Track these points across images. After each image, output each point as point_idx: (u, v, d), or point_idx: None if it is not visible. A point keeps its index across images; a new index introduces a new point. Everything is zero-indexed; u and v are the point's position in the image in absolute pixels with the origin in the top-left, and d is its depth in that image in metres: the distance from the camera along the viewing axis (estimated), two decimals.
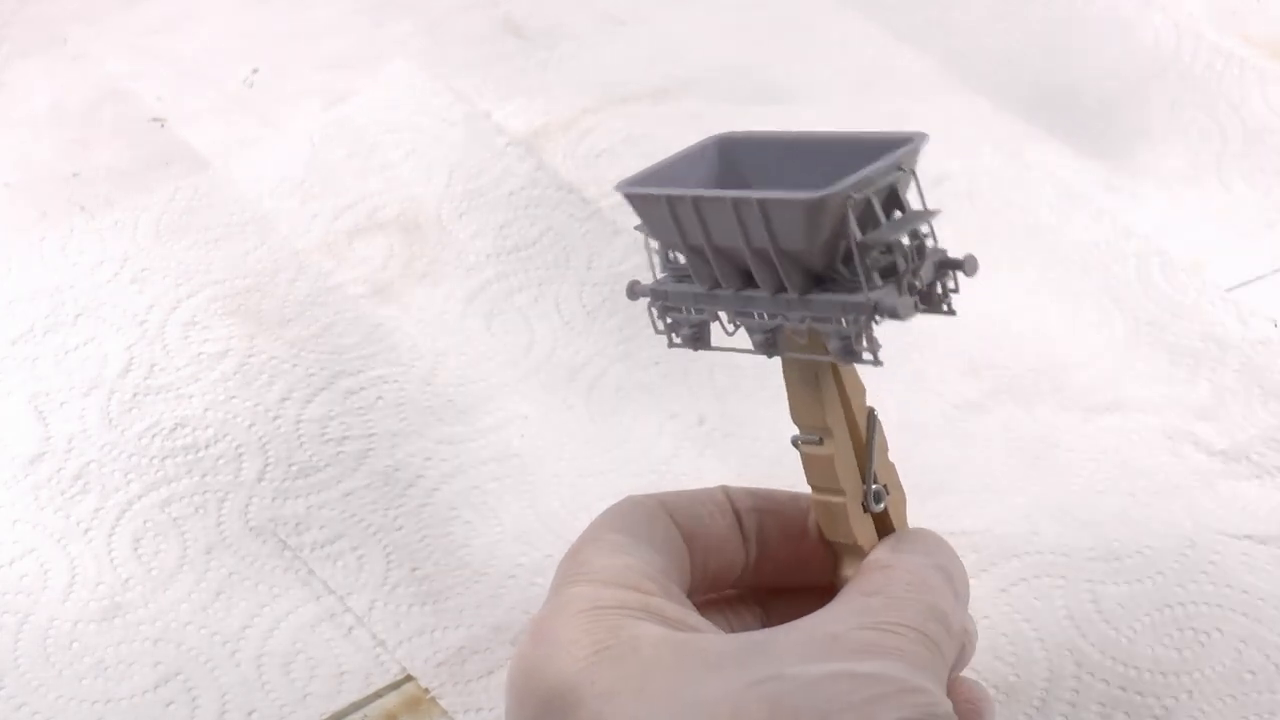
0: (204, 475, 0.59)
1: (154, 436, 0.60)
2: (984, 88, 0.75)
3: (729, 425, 0.60)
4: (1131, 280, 0.63)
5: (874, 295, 0.40)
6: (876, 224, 0.41)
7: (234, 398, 0.61)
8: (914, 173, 0.42)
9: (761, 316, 0.42)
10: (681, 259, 0.44)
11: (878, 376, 0.60)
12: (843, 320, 0.41)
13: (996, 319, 0.63)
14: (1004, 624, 0.51)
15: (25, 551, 0.56)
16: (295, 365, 0.62)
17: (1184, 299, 0.62)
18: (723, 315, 0.44)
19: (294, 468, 0.59)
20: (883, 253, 0.41)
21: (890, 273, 0.41)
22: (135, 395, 0.61)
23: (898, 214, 0.41)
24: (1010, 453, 0.58)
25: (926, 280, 0.41)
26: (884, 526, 0.45)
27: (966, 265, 0.41)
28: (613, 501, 0.44)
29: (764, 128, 0.46)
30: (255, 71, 0.80)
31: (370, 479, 0.58)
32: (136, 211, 0.70)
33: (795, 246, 0.41)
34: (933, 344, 0.62)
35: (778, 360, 0.44)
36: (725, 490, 0.46)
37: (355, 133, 0.73)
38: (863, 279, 0.40)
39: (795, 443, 0.45)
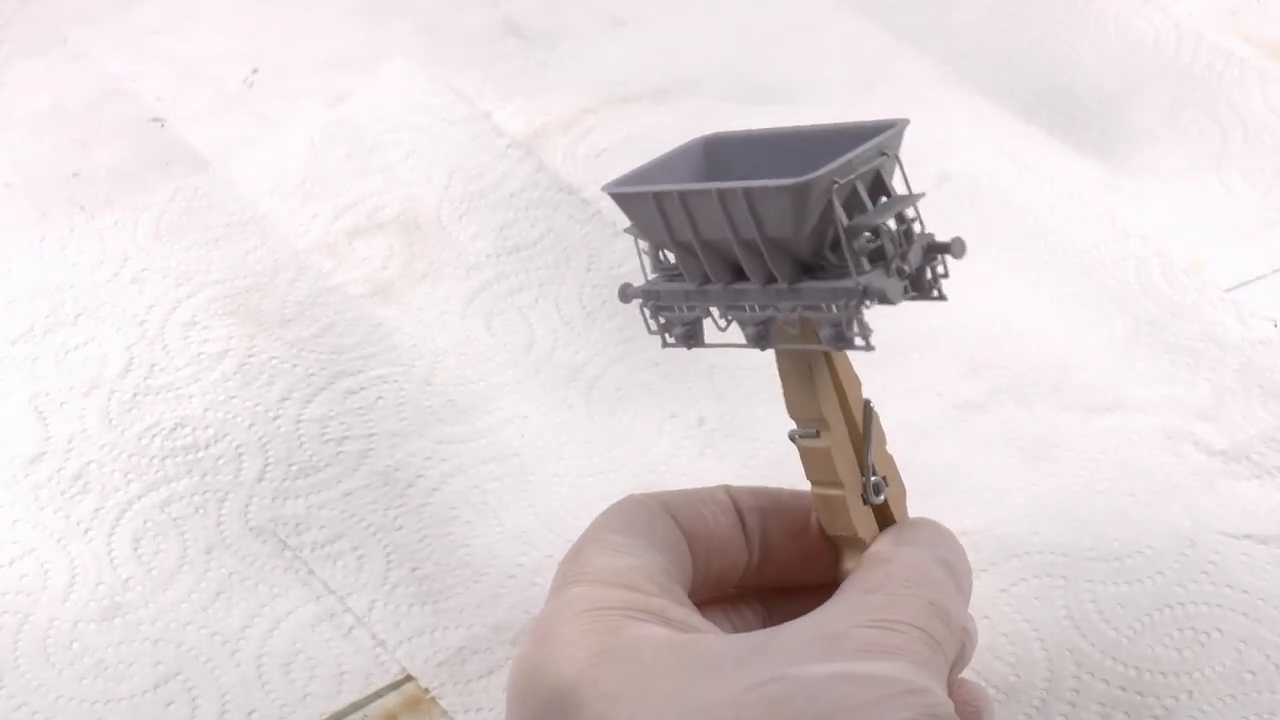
0: (204, 475, 0.59)
1: (154, 436, 0.60)
2: (984, 88, 0.75)
3: (729, 425, 0.60)
4: (1131, 280, 0.63)
5: (863, 280, 0.40)
6: (863, 209, 0.41)
7: (234, 398, 0.61)
8: (898, 157, 0.42)
9: (753, 309, 0.43)
10: (672, 258, 0.45)
11: (878, 376, 0.60)
12: (833, 307, 0.41)
13: (996, 319, 0.63)
14: (1004, 624, 0.51)
15: (25, 551, 0.56)
16: (295, 365, 0.62)
17: (1184, 299, 0.62)
18: (714, 311, 0.44)
19: (294, 468, 0.59)
20: (870, 238, 0.41)
21: (878, 257, 0.41)
22: (135, 395, 0.61)
23: (883, 199, 0.42)
24: (1010, 453, 0.58)
25: (915, 264, 0.42)
26: (884, 519, 0.45)
27: (954, 248, 0.41)
28: (613, 501, 0.44)
29: (762, 127, 0.46)
30: (255, 71, 0.80)
31: (370, 479, 0.58)
32: (136, 211, 0.70)
33: (782, 234, 0.41)
34: (933, 344, 0.62)
35: (756, 363, 0.44)
36: (727, 490, 0.46)
37: (355, 133, 0.73)
38: (851, 264, 0.40)
39: (793, 437, 0.45)
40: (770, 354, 0.44)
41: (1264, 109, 0.71)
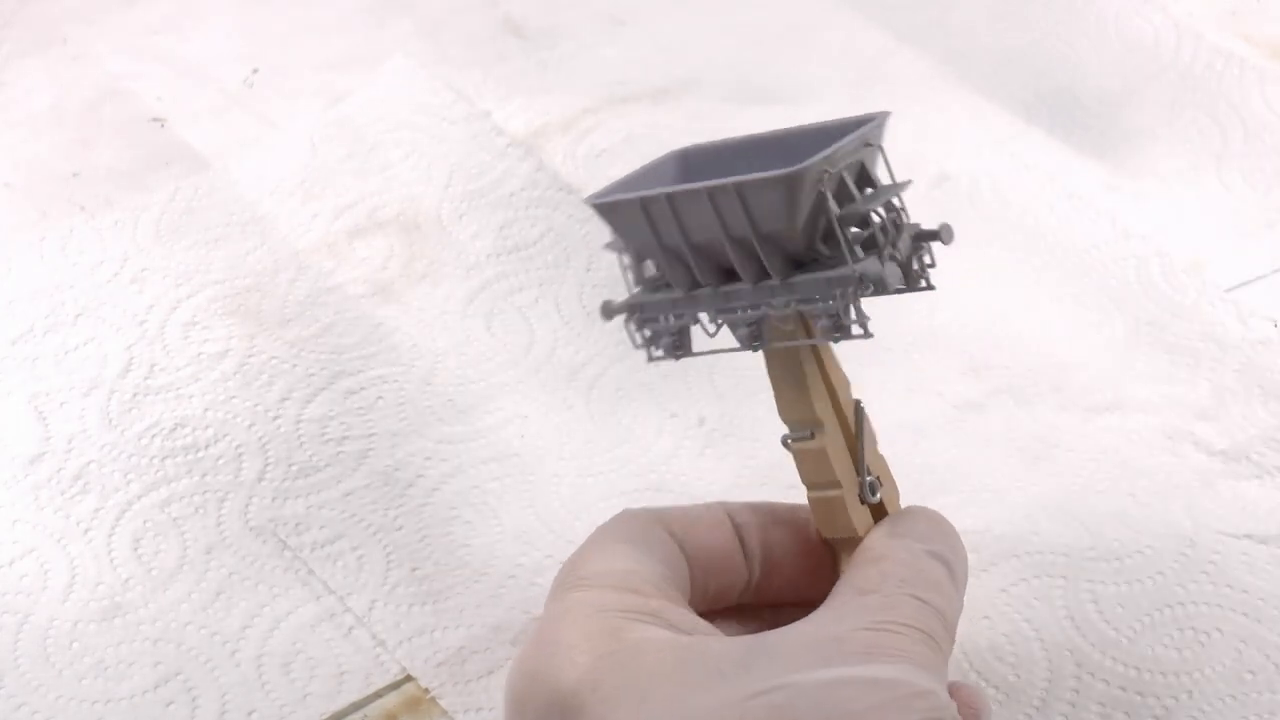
0: (204, 475, 0.59)
1: (154, 436, 0.60)
2: (984, 88, 0.75)
3: (729, 425, 0.60)
4: (1131, 280, 0.63)
5: (859, 267, 0.41)
6: (852, 200, 0.41)
7: (234, 398, 0.61)
8: (881, 149, 0.42)
9: (744, 310, 0.43)
10: (655, 268, 0.44)
11: (878, 376, 0.60)
12: (830, 297, 0.41)
13: (997, 318, 0.63)
14: (1004, 624, 0.51)
15: (25, 551, 0.56)
16: (295, 365, 0.62)
17: (1184, 299, 0.62)
18: (704, 317, 0.44)
19: (294, 468, 0.59)
20: (862, 227, 0.41)
21: (870, 246, 0.41)
22: (135, 395, 0.61)
23: (869, 190, 0.42)
24: (1010, 453, 0.58)
25: (905, 253, 0.42)
26: (880, 519, 0.45)
27: (943, 234, 0.42)
28: (613, 502, 0.44)
29: (762, 128, 0.46)
30: (255, 71, 0.80)
31: (370, 479, 0.58)
32: (136, 211, 0.70)
33: (775, 227, 0.41)
34: (932, 344, 0.62)
35: (756, 360, 0.44)
36: (725, 506, 0.45)
37: (355, 133, 0.73)
38: (846, 252, 0.41)
39: (786, 442, 0.44)
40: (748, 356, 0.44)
41: (1264, 109, 0.71)
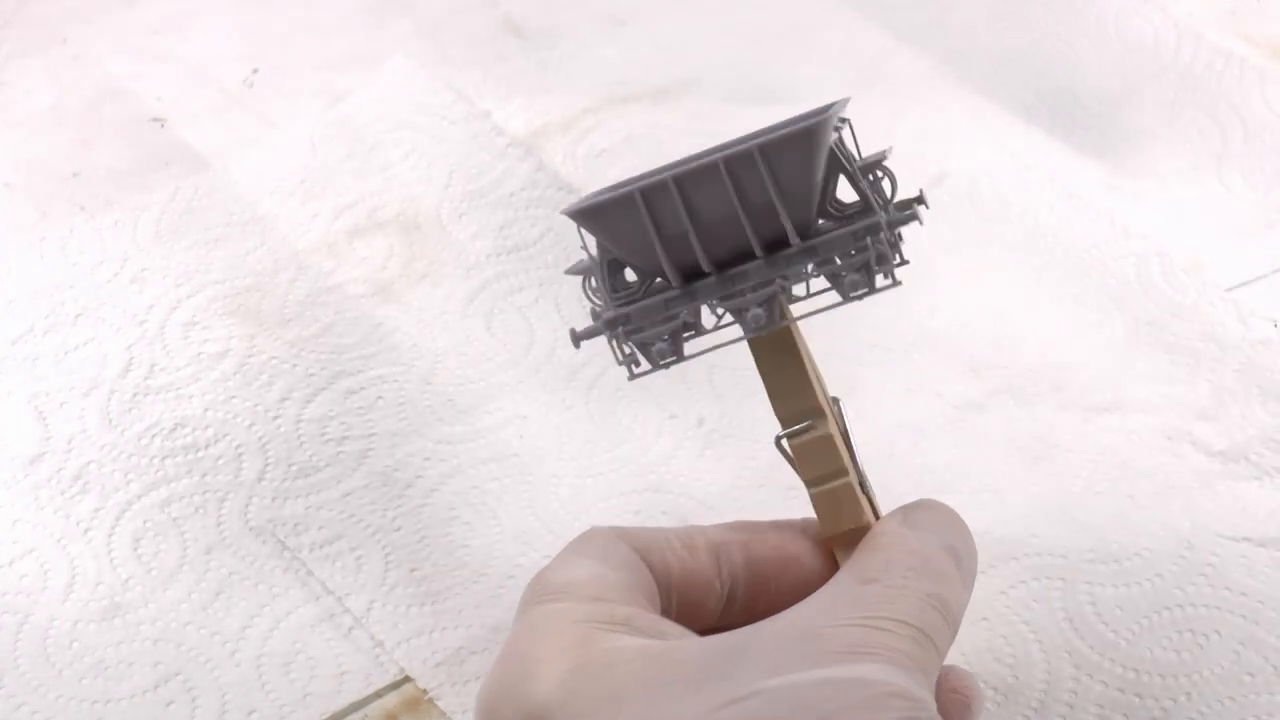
0: (204, 475, 0.59)
1: (154, 436, 0.60)
2: (984, 88, 0.75)
3: (728, 426, 0.60)
4: (1131, 280, 0.63)
5: (883, 215, 0.41)
6: (851, 162, 0.42)
7: (234, 398, 0.61)
8: (851, 127, 0.43)
9: (754, 290, 0.42)
10: (624, 282, 0.43)
11: (878, 378, 0.60)
12: (858, 249, 0.41)
13: (997, 318, 0.63)
14: (1002, 626, 0.51)
15: (25, 551, 0.57)
16: (295, 365, 0.62)
17: (1184, 299, 0.62)
18: (705, 310, 0.43)
19: (294, 468, 0.59)
20: (875, 179, 0.42)
21: (867, 209, 0.42)
22: (135, 395, 0.61)
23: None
24: (1010, 453, 0.58)
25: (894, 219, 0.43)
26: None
27: (923, 199, 0.42)
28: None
29: (761, 128, 0.46)
30: (255, 71, 0.80)
31: (369, 479, 0.58)
32: (136, 211, 0.70)
33: (800, 187, 0.41)
34: (933, 344, 0.62)
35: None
36: (697, 529, 0.44)
37: (355, 133, 0.73)
38: (873, 199, 0.41)
39: (780, 442, 0.43)
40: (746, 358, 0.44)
41: (1264, 109, 0.71)
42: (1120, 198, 0.69)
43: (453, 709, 0.51)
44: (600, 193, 0.43)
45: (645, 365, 0.43)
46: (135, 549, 0.56)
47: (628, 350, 0.43)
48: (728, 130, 0.46)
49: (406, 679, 0.53)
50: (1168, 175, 0.70)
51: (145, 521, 0.57)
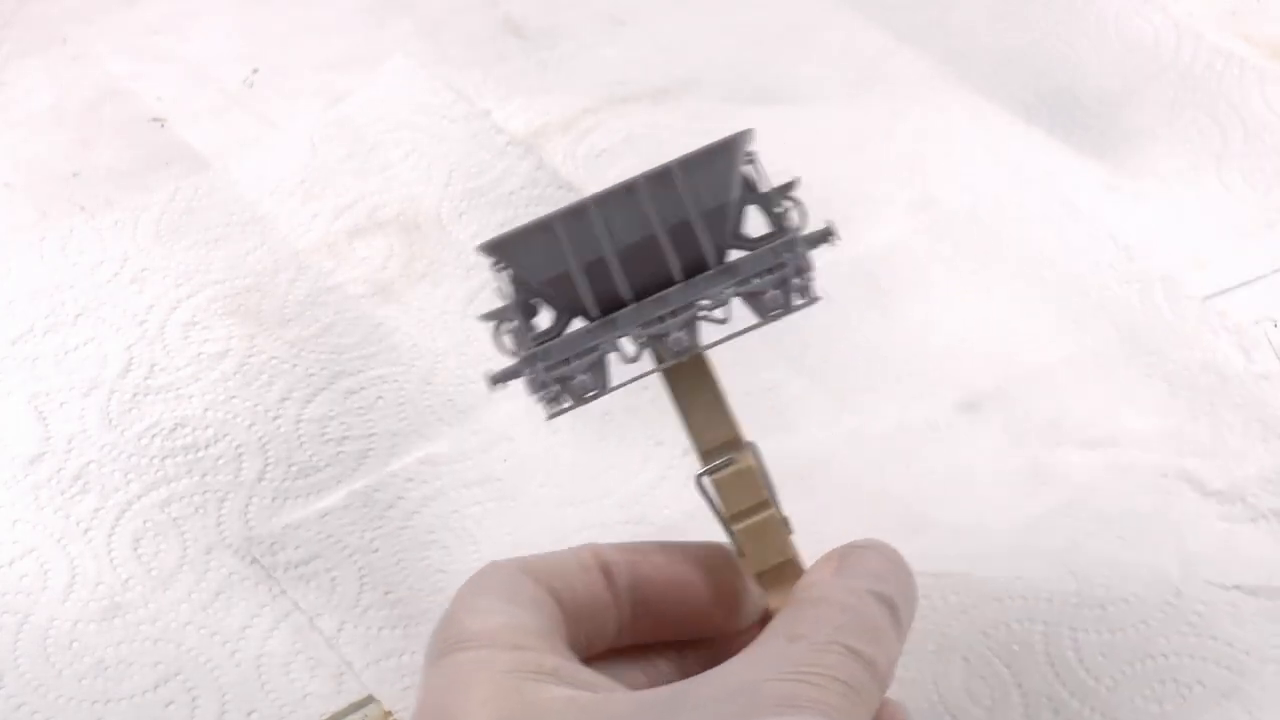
0: (204, 475, 0.59)
1: (154, 436, 0.60)
2: (984, 88, 0.75)
3: None
4: (1134, 305, 0.62)
5: (797, 233, 0.42)
6: (757, 187, 0.42)
7: (234, 398, 0.61)
8: (758, 160, 0.43)
9: (675, 314, 0.42)
10: (543, 325, 0.42)
11: (870, 404, 0.59)
12: (778, 266, 0.42)
13: (994, 344, 0.62)
14: (981, 667, 0.50)
15: (25, 551, 0.56)
16: (295, 365, 0.62)
17: (1186, 326, 0.61)
18: (625, 342, 0.42)
19: (294, 468, 0.59)
20: (786, 207, 0.42)
21: (781, 228, 0.43)
22: (135, 395, 0.61)
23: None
24: (999, 488, 0.56)
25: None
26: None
27: (831, 233, 0.43)
28: (592, 532, 0.43)
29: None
30: (255, 71, 0.80)
31: (350, 499, 0.58)
32: (136, 211, 0.70)
33: (717, 203, 0.41)
34: (925, 370, 0.61)
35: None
36: (593, 549, 0.43)
37: (355, 132, 0.73)
38: (786, 220, 0.42)
39: (701, 480, 0.42)
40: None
41: (1264, 109, 0.71)
42: (1120, 198, 0.69)
43: None
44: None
45: (570, 400, 0.42)
46: (135, 549, 0.56)
47: (554, 389, 0.42)
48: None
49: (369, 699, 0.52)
50: (1168, 175, 0.70)
51: (145, 521, 0.57)
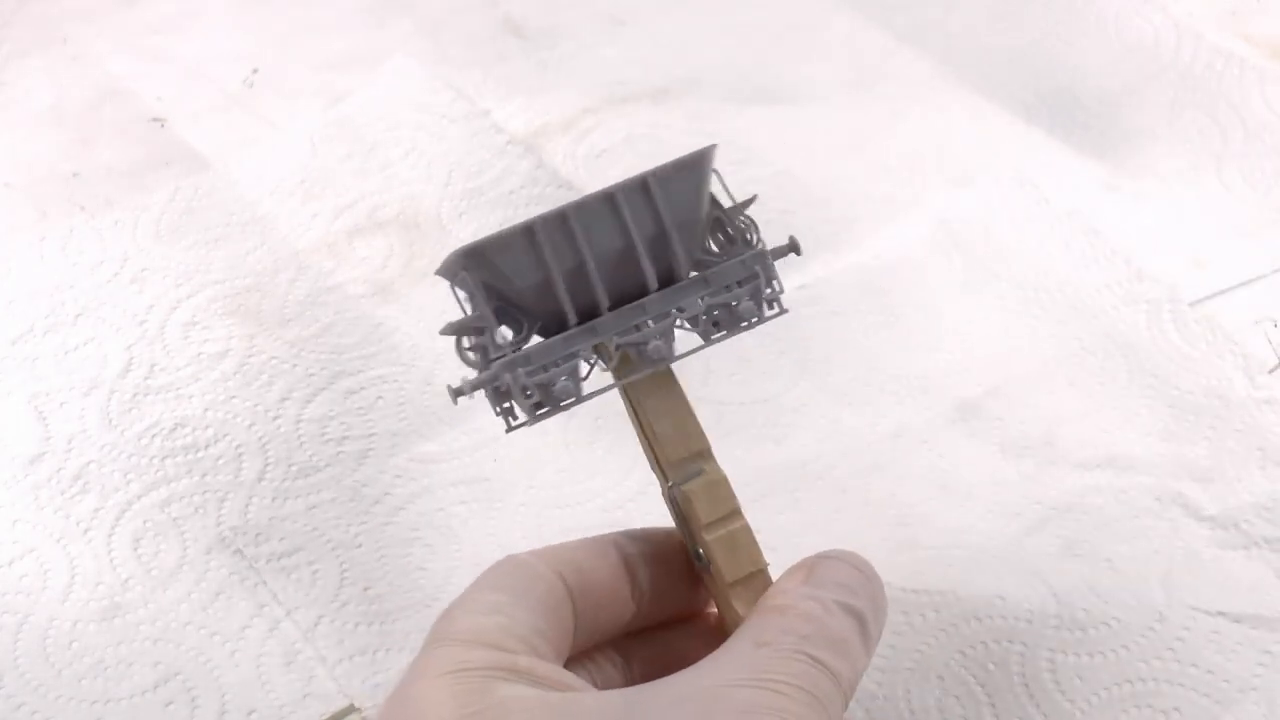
0: (204, 475, 0.59)
1: (154, 436, 0.60)
2: (984, 88, 0.75)
3: None
4: (1141, 327, 0.61)
5: (761, 248, 0.43)
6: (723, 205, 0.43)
7: (234, 398, 0.61)
8: (720, 176, 0.43)
9: (651, 323, 0.42)
10: (508, 335, 0.42)
11: (868, 418, 0.59)
12: (748, 278, 0.43)
13: (997, 362, 0.61)
14: (956, 686, 0.50)
15: (25, 551, 0.56)
16: (295, 365, 0.62)
17: (1193, 350, 0.60)
18: (603, 348, 0.42)
19: (294, 468, 0.59)
20: (740, 223, 0.43)
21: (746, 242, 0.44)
22: (135, 395, 0.61)
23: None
24: (990, 507, 0.56)
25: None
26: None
27: (794, 247, 0.44)
28: (574, 536, 0.43)
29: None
30: (255, 71, 0.80)
31: (337, 493, 0.58)
32: (136, 211, 0.70)
33: (690, 216, 0.42)
34: (926, 387, 0.60)
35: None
36: (615, 539, 0.44)
37: (355, 132, 0.73)
38: (751, 233, 0.43)
39: (673, 492, 0.43)
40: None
41: (1264, 109, 0.71)
42: (1120, 198, 0.69)
43: None
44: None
45: (523, 417, 0.42)
46: (135, 549, 0.56)
47: (530, 395, 0.41)
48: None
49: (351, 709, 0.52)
50: (1168, 175, 0.70)
51: (145, 521, 0.57)
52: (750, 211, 0.44)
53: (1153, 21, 0.76)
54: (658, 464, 0.43)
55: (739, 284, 0.43)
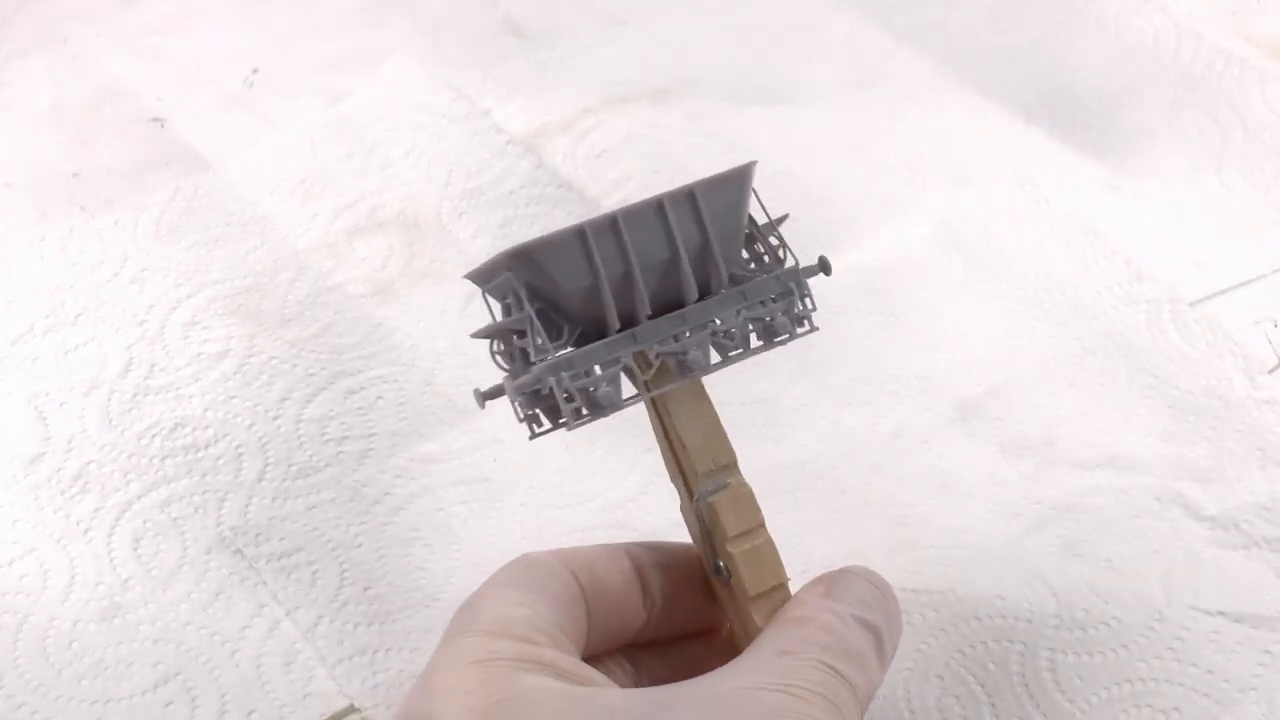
0: (204, 475, 0.59)
1: (154, 436, 0.60)
2: (984, 88, 0.75)
3: None
4: (1141, 328, 0.61)
5: (793, 265, 0.43)
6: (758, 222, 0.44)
7: (234, 398, 0.61)
8: (756, 193, 0.44)
9: (691, 333, 0.42)
10: (529, 348, 0.42)
11: (867, 418, 0.59)
12: (785, 292, 0.43)
13: (997, 362, 0.61)
14: (955, 685, 0.50)
15: (25, 551, 0.56)
16: (295, 365, 0.62)
17: (1193, 351, 0.60)
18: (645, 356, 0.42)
19: (294, 468, 0.59)
20: (772, 238, 0.43)
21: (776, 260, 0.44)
22: (135, 395, 0.61)
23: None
24: (990, 507, 0.56)
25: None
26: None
27: (828, 264, 0.44)
28: (574, 537, 0.43)
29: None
30: (255, 71, 0.80)
31: (337, 493, 0.58)
32: (136, 211, 0.70)
33: (730, 229, 0.42)
34: (927, 387, 0.60)
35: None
36: (625, 548, 0.44)
37: (355, 132, 0.73)
38: (786, 249, 0.43)
39: (698, 504, 0.43)
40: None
41: (1264, 109, 0.71)
42: (1120, 198, 0.68)
43: None
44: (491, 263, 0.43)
45: (547, 424, 0.42)
46: (135, 549, 0.56)
47: (569, 399, 0.41)
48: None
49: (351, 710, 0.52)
50: (1168, 175, 0.70)
51: (145, 521, 0.57)
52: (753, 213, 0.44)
53: (1153, 21, 0.76)
54: (682, 475, 0.43)
55: (774, 299, 0.43)
